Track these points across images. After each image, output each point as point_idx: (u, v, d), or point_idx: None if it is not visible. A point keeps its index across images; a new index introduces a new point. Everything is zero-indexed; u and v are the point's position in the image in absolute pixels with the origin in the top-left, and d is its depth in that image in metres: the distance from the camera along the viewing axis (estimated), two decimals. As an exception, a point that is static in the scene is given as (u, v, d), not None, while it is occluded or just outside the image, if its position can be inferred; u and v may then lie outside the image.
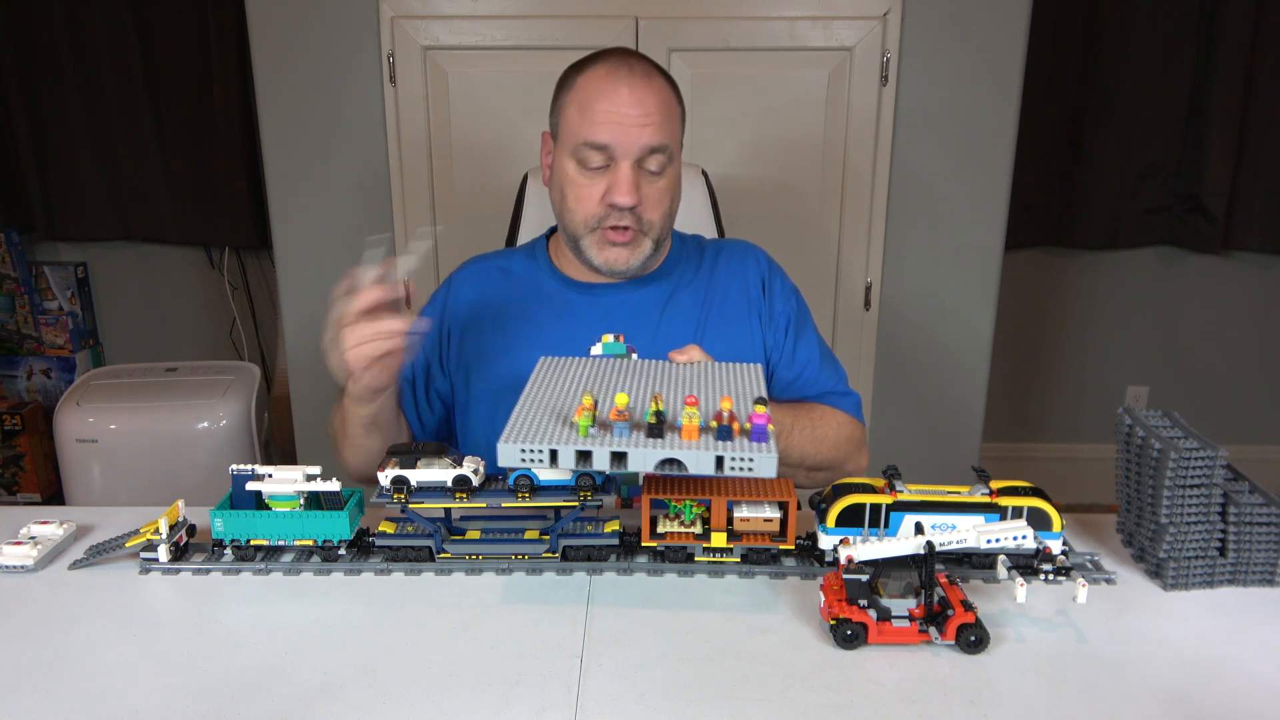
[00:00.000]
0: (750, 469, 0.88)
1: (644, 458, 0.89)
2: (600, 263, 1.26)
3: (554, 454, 0.89)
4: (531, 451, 0.89)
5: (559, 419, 0.94)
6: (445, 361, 1.34)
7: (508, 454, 0.89)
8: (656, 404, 0.91)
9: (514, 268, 1.38)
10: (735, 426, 0.91)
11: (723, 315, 1.33)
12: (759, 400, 0.92)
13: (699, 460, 0.88)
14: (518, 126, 2.09)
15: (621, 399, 0.91)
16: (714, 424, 0.91)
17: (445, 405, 1.36)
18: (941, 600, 0.91)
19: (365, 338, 1.06)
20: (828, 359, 1.38)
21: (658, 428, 0.90)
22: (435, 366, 1.34)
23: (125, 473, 2.37)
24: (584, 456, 0.90)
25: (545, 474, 1.00)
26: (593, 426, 0.91)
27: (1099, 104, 2.69)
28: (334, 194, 2.17)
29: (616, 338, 1.14)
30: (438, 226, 1.04)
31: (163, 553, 1.04)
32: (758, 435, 0.90)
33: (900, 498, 1.00)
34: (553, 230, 1.40)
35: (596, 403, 0.94)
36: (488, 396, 1.30)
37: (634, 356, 1.13)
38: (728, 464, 0.88)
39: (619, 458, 0.89)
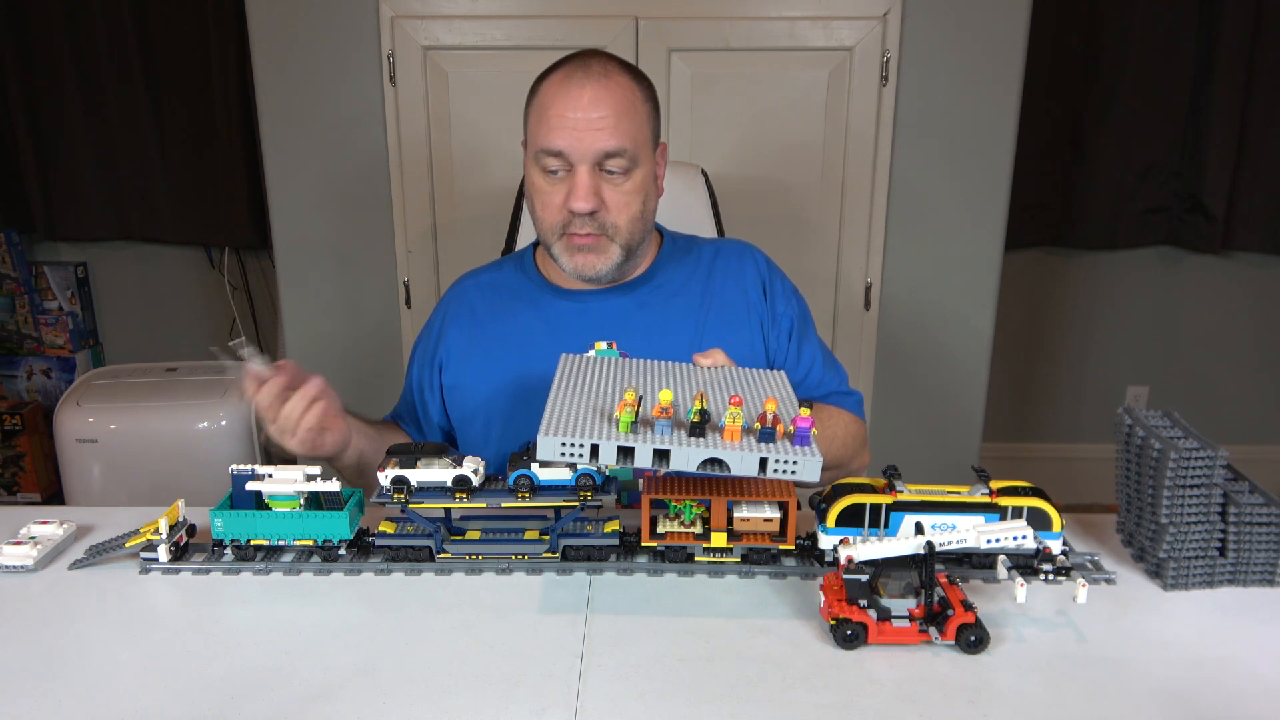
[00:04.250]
0: (794, 472, 0.88)
1: (687, 456, 0.88)
2: (570, 270, 1.25)
3: (595, 449, 0.88)
4: (572, 445, 0.88)
5: (598, 414, 0.93)
6: (436, 390, 1.35)
7: (547, 447, 0.88)
8: (701, 402, 0.91)
9: (504, 279, 1.38)
10: (779, 429, 0.90)
11: (721, 319, 1.31)
12: (803, 403, 0.91)
13: (743, 461, 0.88)
14: (518, 127, 2.08)
15: (665, 396, 0.90)
16: (757, 425, 0.90)
17: (443, 430, 1.37)
18: (941, 600, 0.91)
19: (297, 415, 1.12)
20: (829, 359, 1.38)
21: (700, 427, 0.90)
22: (429, 394, 1.36)
23: (125, 473, 2.37)
24: (625, 453, 0.88)
25: (545, 474, 1.00)
26: (635, 422, 0.90)
27: (1099, 104, 2.69)
28: (334, 194, 2.17)
29: (609, 344, 1.13)
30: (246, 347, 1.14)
31: (163, 553, 1.04)
32: (801, 439, 0.90)
33: (900, 498, 1.00)
34: (539, 241, 1.41)
35: (640, 399, 0.92)
36: (482, 412, 1.31)
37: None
38: (771, 466, 0.88)
39: (661, 455, 0.88)
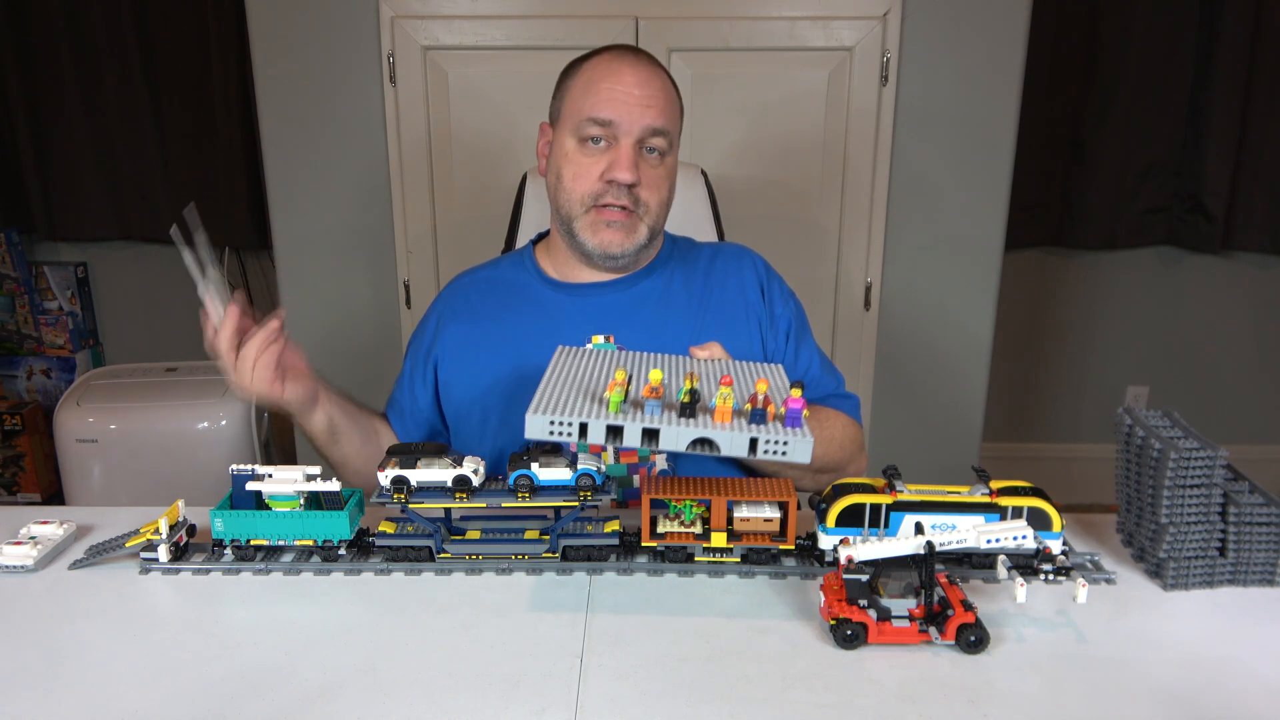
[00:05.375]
0: (784, 452, 0.87)
1: (676, 436, 0.87)
2: (594, 246, 1.25)
3: (584, 427, 0.87)
4: (561, 424, 0.87)
5: (588, 395, 0.93)
6: (430, 382, 1.34)
7: (536, 425, 0.88)
8: (691, 383, 0.90)
9: (501, 276, 1.38)
10: (770, 410, 0.90)
11: (720, 319, 1.31)
12: (795, 384, 0.91)
13: (732, 441, 0.87)
14: (518, 126, 2.09)
15: (656, 375, 0.89)
16: (748, 406, 0.90)
17: (429, 424, 1.36)
18: (941, 600, 0.91)
19: (252, 359, 1.09)
20: (826, 362, 1.38)
21: (690, 407, 0.89)
22: (420, 386, 1.34)
23: (125, 473, 2.37)
24: (615, 432, 0.88)
25: (545, 474, 1.00)
26: (624, 403, 0.90)
27: (1099, 104, 2.69)
28: (334, 194, 2.17)
29: (606, 339, 1.13)
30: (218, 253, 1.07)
31: (163, 553, 1.04)
32: (792, 420, 0.89)
33: (900, 498, 1.00)
34: (539, 237, 1.41)
35: (630, 378, 0.92)
36: (478, 406, 1.30)
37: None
38: (761, 446, 0.87)
39: (650, 435, 0.88)
